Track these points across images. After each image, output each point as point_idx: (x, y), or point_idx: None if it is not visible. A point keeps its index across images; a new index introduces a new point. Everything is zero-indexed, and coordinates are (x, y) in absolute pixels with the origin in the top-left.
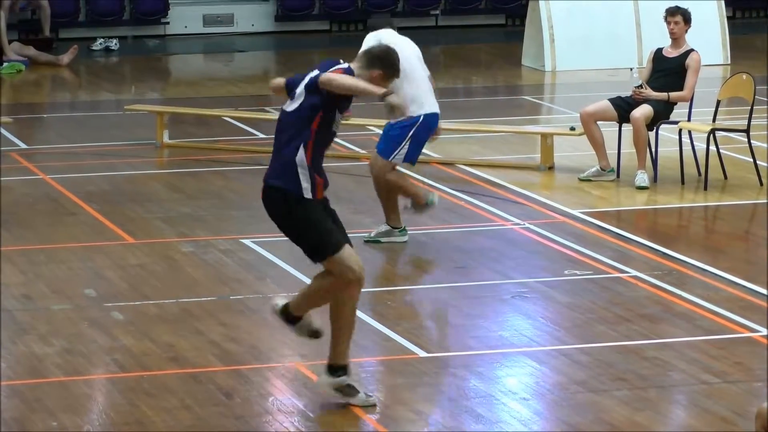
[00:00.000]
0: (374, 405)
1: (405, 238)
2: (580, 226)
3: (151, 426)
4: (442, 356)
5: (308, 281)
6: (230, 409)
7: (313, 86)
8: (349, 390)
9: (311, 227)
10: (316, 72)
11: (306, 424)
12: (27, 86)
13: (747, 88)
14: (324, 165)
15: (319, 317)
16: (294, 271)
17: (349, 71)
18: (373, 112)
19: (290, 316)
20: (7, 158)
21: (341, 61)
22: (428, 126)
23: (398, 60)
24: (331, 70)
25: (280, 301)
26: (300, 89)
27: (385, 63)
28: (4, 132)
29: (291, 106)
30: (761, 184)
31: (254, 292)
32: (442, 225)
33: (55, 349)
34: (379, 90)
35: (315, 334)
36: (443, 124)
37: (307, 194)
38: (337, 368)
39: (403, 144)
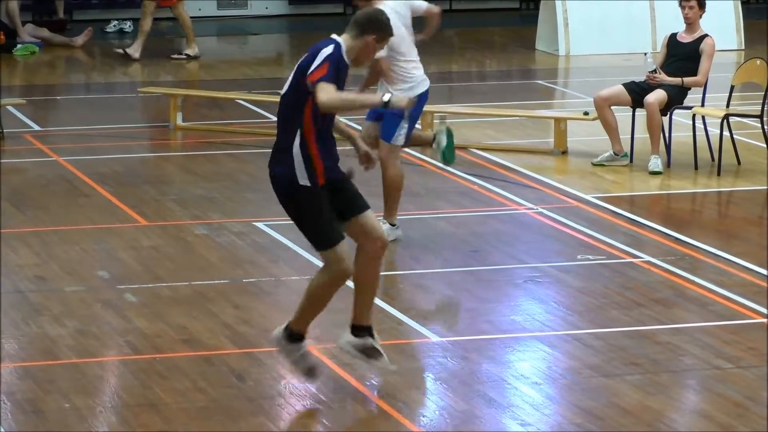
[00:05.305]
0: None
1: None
2: (593, 210)
3: (163, 408)
4: (454, 340)
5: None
6: (243, 391)
7: (300, 73)
8: (373, 352)
9: (309, 217)
10: (307, 56)
11: (318, 407)
12: (41, 68)
13: (761, 74)
14: (339, 148)
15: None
16: (306, 254)
17: (337, 48)
18: None
19: (293, 333)
20: (21, 140)
21: (333, 37)
22: (422, 104)
23: (388, 19)
24: (315, 65)
25: (278, 328)
26: (292, 73)
27: (376, 25)
28: (18, 113)
29: (284, 89)
30: None
31: (267, 274)
32: (455, 209)
33: (68, 331)
34: (377, 99)
35: (312, 370)
36: (456, 108)
37: (303, 181)
38: (360, 329)
39: (402, 123)
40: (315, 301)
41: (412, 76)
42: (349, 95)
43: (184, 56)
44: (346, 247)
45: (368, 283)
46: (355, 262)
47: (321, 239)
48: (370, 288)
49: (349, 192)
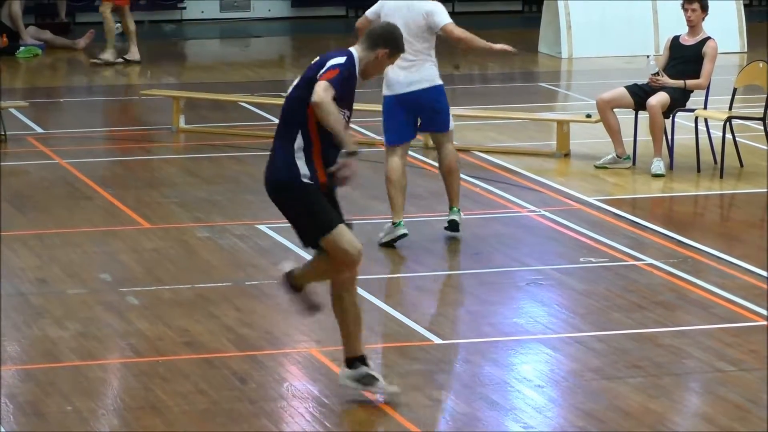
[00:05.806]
0: (397, 392)
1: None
2: (595, 213)
3: (165, 410)
4: (457, 343)
5: None
6: (245, 393)
7: (307, 75)
8: (368, 379)
9: (305, 209)
10: (318, 60)
11: (320, 410)
12: (43, 70)
13: (763, 76)
14: None
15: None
16: (309, 257)
17: (350, 58)
18: None
19: (293, 283)
20: (23, 142)
21: (346, 51)
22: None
23: (401, 35)
24: (325, 68)
25: (287, 265)
26: (301, 77)
27: (388, 40)
28: (20, 116)
29: (288, 91)
30: None
31: (269, 277)
32: None
33: (70, 333)
34: (351, 145)
35: (313, 308)
36: (459, 110)
37: (306, 179)
38: (354, 360)
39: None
40: (316, 273)
41: (386, 76)
42: (337, 116)
43: (101, 61)
44: (347, 231)
45: (348, 311)
46: (332, 295)
47: (318, 226)
48: (353, 316)
49: (333, 202)
